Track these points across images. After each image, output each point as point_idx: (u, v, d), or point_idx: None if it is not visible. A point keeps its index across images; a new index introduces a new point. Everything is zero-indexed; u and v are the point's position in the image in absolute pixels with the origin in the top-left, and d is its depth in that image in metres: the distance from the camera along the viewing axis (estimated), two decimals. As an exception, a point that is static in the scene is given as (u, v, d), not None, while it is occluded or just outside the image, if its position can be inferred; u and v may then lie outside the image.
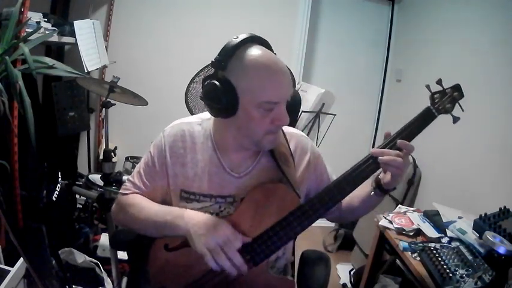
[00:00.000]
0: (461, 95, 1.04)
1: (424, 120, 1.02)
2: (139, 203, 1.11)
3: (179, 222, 1.00)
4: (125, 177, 2.05)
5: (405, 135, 1.00)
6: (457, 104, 1.04)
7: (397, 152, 0.96)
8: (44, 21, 2.09)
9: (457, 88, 1.04)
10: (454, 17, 2.52)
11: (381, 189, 1.04)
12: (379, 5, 3.34)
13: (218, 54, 0.97)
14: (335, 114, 2.45)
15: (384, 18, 3.34)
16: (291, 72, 1.04)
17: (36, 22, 1.96)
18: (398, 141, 0.97)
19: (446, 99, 1.03)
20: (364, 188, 1.07)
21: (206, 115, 1.14)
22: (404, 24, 3.24)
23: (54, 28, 2.15)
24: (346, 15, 3.33)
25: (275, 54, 1.01)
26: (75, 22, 2.33)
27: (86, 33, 2.44)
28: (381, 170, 1.01)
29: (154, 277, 1.09)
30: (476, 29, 2.27)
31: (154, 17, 3.03)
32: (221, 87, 0.94)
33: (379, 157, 0.97)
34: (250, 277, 1.01)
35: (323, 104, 2.39)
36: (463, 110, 1.03)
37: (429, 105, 1.03)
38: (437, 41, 2.66)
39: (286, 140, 1.13)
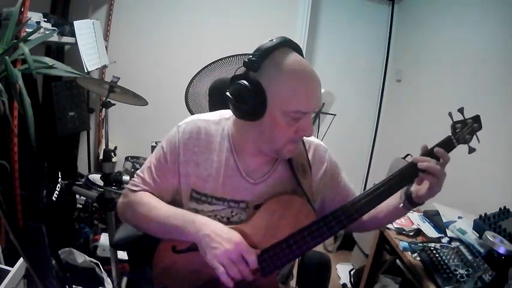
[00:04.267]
0: (480, 127, 1.08)
1: (444, 149, 1.03)
2: (148, 203, 1.06)
3: (190, 229, 0.97)
4: (125, 177, 2.06)
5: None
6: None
7: (435, 160, 0.98)
8: (44, 21, 2.09)
9: (476, 119, 1.07)
10: (454, 17, 2.52)
11: (410, 202, 1.04)
12: (379, 5, 3.34)
13: (252, 55, 0.94)
14: (335, 114, 2.45)
15: (384, 18, 3.34)
16: None
17: (36, 22, 1.96)
18: (436, 149, 0.99)
19: (466, 130, 1.06)
20: (390, 202, 1.06)
21: (225, 114, 1.10)
22: (404, 24, 3.24)
23: (54, 28, 2.15)
24: (346, 15, 3.33)
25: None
26: (75, 22, 2.33)
27: (86, 33, 2.44)
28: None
29: (157, 277, 1.07)
30: (476, 29, 2.27)
31: (154, 17, 3.03)
32: (251, 89, 0.92)
33: (419, 163, 0.98)
34: (257, 285, 1.00)
35: (323, 104, 2.39)
36: (479, 142, 1.07)
37: (450, 134, 1.05)
38: (437, 41, 2.66)
39: (305, 149, 1.11)
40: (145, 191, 1.10)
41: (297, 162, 1.07)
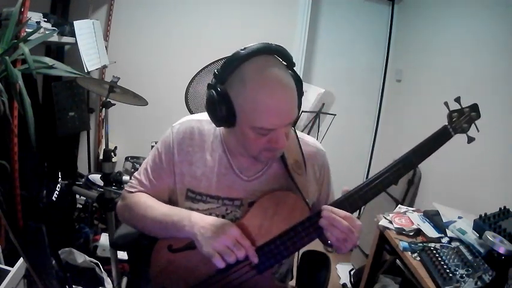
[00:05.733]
0: (478, 116, 1.04)
1: (440, 138, 1.01)
2: (144, 202, 1.08)
3: (185, 224, 0.98)
4: (125, 177, 2.05)
5: (420, 153, 1.00)
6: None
7: (344, 214, 0.92)
8: (44, 21, 2.09)
9: (474, 108, 1.04)
10: (454, 17, 2.52)
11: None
12: (379, 5, 3.34)
13: (221, 67, 0.93)
14: (335, 114, 2.45)
15: (384, 18, 3.34)
16: (301, 85, 0.97)
17: (36, 22, 1.96)
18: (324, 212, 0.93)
19: (464, 119, 1.03)
20: None
21: None
22: (404, 24, 3.24)
23: (54, 28, 2.15)
24: (346, 15, 3.33)
25: (294, 63, 0.96)
26: (75, 22, 2.33)
27: (86, 33, 2.44)
28: None
29: (155, 277, 1.08)
30: (476, 29, 2.27)
31: (154, 17, 3.03)
32: (218, 101, 0.92)
33: (320, 220, 0.93)
34: (254, 284, 1.00)
35: (323, 104, 2.40)
36: (478, 131, 1.04)
37: (446, 123, 1.03)
38: (437, 41, 2.66)
39: (300, 147, 1.11)
40: (142, 192, 1.12)
41: (292, 159, 1.07)
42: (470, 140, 1.04)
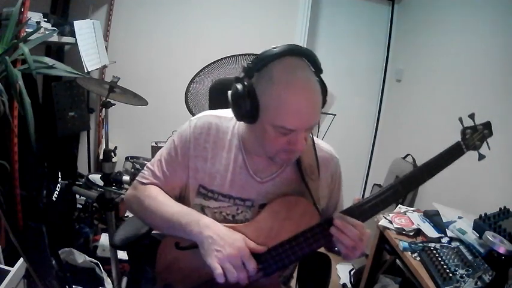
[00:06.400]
0: (491, 133, 1.06)
1: (452, 154, 1.02)
2: (155, 197, 1.06)
3: (193, 228, 0.97)
4: (125, 177, 2.06)
5: (433, 167, 1.00)
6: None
7: (355, 223, 0.92)
8: (44, 21, 2.09)
9: (487, 126, 1.06)
10: (454, 17, 2.52)
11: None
12: (379, 5, 3.34)
13: (251, 61, 0.93)
14: (335, 114, 2.45)
15: (384, 18, 3.34)
16: (326, 93, 0.98)
17: (36, 22, 1.96)
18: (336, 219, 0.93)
19: (477, 136, 1.05)
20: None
21: None
22: (404, 24, 3.24)
23: (54, 28, 2.15)
24: (346, 15, 3.33)
25: (321, 69, 0.97)
26: (75, 22, 2.33)
27: (86, 33, 2.44)
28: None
29: (160, 274, 1.07)
30: (476, 29, 2.27)
31: (154, 17, 3.03)
32: (244, 95, 0.92)
33: (331, 228, 0.93)
34: (260, 286, 0.99)
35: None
36: (489, 149, 1.06)
37: (460, 140, 1.04)
38: (437, 40, 2.66)
39: (315, 152, 1.11)
40: (155, 184, 1.10)
41: (306, 164, 1.07)
42: (481, 157, 1.05)
